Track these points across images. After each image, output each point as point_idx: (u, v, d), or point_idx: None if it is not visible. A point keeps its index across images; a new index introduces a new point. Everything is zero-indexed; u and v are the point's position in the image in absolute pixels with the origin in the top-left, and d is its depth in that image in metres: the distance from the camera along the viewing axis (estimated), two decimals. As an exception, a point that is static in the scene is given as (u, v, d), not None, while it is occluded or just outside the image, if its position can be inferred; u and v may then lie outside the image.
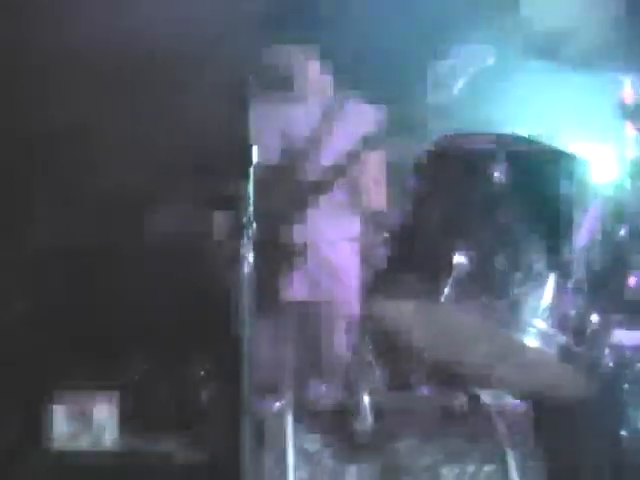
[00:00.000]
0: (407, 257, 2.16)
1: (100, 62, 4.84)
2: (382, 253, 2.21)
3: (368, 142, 3.56)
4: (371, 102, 3.79)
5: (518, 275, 2.01)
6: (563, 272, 2.02)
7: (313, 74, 3.84)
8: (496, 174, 2.05)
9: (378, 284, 2.21)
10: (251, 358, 1.97)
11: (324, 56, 3.79)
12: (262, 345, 3.66)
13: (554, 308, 2.02)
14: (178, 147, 4.99)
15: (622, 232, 2.08)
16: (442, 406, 2.40)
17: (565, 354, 2.03)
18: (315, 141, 3.74)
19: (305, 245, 3.67)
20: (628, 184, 2.07)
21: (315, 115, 3.77)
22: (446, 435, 2.35)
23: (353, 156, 3.55)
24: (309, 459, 2.25)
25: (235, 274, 1.96)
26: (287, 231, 3.69)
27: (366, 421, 2.28)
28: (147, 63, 4.87)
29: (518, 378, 2.42)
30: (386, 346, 2.54)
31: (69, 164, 5.10)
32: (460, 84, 3.10)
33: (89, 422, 2.74)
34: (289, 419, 2.31)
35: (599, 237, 2.08)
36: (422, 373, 2.62)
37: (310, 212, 3.67)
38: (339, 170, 3.58)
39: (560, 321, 2.02)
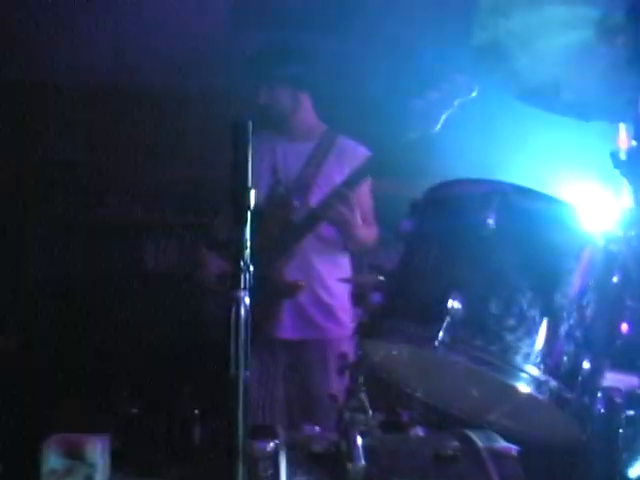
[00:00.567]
0: (401, 301, 2.19)
1: (102, 100, 4.93)
2: (376, 297, 2.23)
3: (357, 179, 3.58)
4: (356, 139, 3.85)
5: (511, 321, 2.04)
6: (556, 318, 2.05)
7: (305, 112, 3.89)
8: (489, 220, 2.08)
9: (372, 327, 2.23)
10: (245, 398, 2.00)
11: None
12: (254, 384, 3.68)
13: (546, 354, 2.04)
14: (177, 185, 5.05)
15: (615, 279, 2.10)
16: (435, 448, 2.41)
17: (557, 400, 2.05)
18: (306, 178, 3.77)
19: (297, 283, 3.68)
20: (620, 232, 2.09)
21: (306, 152, 3.81)
22: (439, 477, 2.35)
23: (343, 193, 3.57)
24: (302, 501, 2.26)
25: (231, 317, 1.97)
26: (279, 269, 3.70)
27: (359, 463, 2.28)
28: (146, 102, 4.95)
29: (511, 422, 2.44)
30: (379, 388, 2.56)
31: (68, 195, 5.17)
32: (444, 117, 3.15)
33: (81, 460, 2.74)
34: (283, 460, 2.32)
35: (592, 283, 2.11)
36: (415, 415, 2.63)
37: (301, 249, 3.69)
38: (329, 207, 3.59)
39: (552, 367, 2.04)
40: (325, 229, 3.67)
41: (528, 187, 2.14)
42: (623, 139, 2.69)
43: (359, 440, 2.32)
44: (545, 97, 2.28)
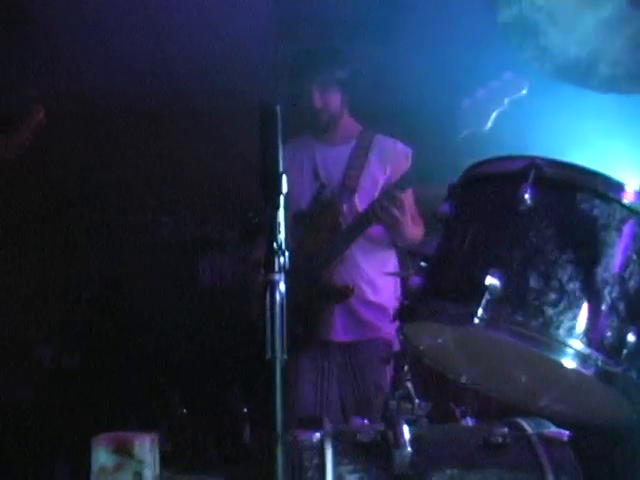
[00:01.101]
0: (440, 282, 2.16)
1: (151, 112, 4.98)
2: (416, 280, 2.21)
3: (408, 180, 3.57)
4: (402, 139, 3.84)
5: (552, 295, 2.00)
6: (597, 291, 2.00)
7: (347, 117, 3.89)
8: (525, 195, 2.05)
9: (412, 311, 2.21)
10: (287, 387, 1.98)
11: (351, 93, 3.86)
12: (307, 383, 3.68)
13: (590, 328, 1.99)
14: (209, 176, 5.06)
15: (657, 250, 2.05)
16: (484, 436, 2.36)
17: (603, 374, 1.99)
18: (351, 180, 3.77)
19: (348, 287, 3.68)
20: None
21: (345, 155, 3.81)
22: (488, 464, 2.31)
23: (393, 194, 3.56)
24: (348, 489, 2.23)
25: (268, 301, 1.96)
26: (329, 273, 3.70)
27: (405, 450, 2.25)
28: (194, 116, 5.00)
29: (562, 406, 2.39)
30: (424, 376, 2.53)
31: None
32: (494, 115, 3.12)
33: (130, 457, 2.75)
34: (328, 449, 2.30)
35: (634, 256, 2.06)
36: (463, 403, 2.59)
37: (350, 251, 3.68)
38: (380, 209, 3.58)
39: (596, 341, 1.99)
40: (373, 229, 3.67)
41: (564, 160, 2.10)
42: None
43: (406, 428, 2.29)
44: (579, 73, 2.24)
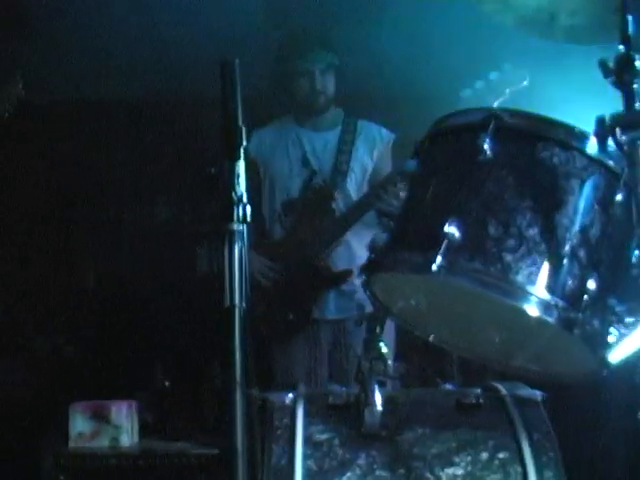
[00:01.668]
0: (403, 235, 2.16)
1: (147, 105, 5.03)
2: (383, 237, 2.21)
3: (402, 168, 3.57)
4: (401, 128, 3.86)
5: (510, 242, 1.99)
6: (557, 238, 1.99)
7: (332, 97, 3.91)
8: (486, 145, 2.05)
9: (377, 264, 2.21)
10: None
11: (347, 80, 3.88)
12: (299, 367, 3.69)
13: (550, 274, 1.98)
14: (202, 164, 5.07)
15: (618, 198, 2.04)
16: (457, 398, 2.36)
17: (565, 322, 1.98)
18: (341, 166, 3.80)
19: (346, 271, 3.70)
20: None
21: (333, 140, 3.84)
22: (460, 425, 2.30)
23: (389, 183, 3.57)
24: (317, 448, 2.23)
25: (227, 251, 1.97)
26: (325, 259, 3.72)
27: (375, 410, 2.24)
28: (191, 108, 5.04)
29: (535, 366, 2.37)
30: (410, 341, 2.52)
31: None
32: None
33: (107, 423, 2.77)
34: (299, 410, 2.30)
35: (595, 205, 2.05)
36: (434, 364, 2.58)
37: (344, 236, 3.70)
38: (376, 197, 3.60)
39: (557, 287, 1.98)
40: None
41: (524, 110, 2.10)
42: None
43: (376, 388, 2.29)
44: (541, 24, 2.24)
